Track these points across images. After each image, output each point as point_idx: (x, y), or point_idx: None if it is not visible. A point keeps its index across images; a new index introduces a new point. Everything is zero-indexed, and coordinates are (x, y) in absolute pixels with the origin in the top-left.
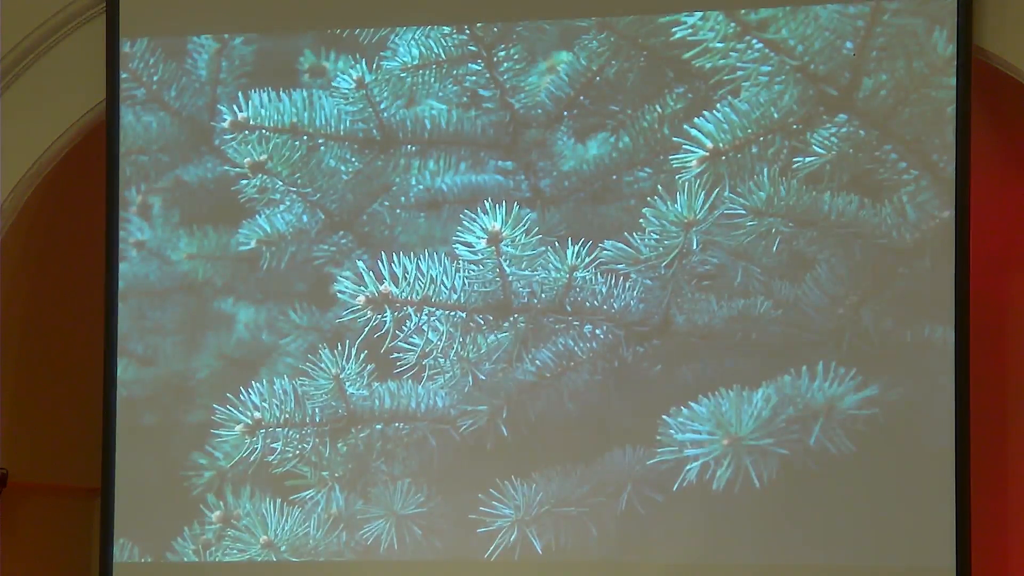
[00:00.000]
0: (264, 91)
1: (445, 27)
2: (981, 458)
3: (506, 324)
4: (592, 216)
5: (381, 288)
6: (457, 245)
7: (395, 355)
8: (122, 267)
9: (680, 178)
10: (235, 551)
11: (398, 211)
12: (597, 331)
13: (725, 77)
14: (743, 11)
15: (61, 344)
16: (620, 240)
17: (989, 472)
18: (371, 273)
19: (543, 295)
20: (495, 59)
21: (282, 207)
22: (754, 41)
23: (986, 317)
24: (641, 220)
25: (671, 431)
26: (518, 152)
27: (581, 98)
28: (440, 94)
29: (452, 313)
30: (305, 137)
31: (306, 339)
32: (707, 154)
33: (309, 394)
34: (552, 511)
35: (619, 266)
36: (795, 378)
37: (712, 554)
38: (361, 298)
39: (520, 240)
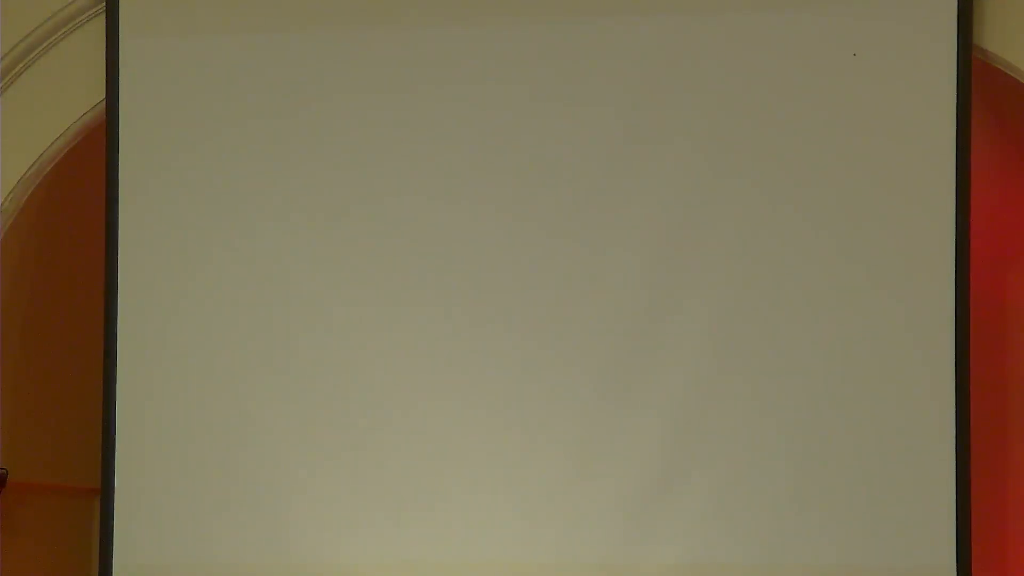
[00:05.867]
0: (265, 91)
1: (447, 27)
2: (981, 458)
3: (506, 324)
4: (592, 216)
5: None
6: (457, 241)
7: (395, 355)
8: (122, 267)
9: (680, 177)
10: (235, 551)
11: (399, 208)
12: (597, 331)
13: (725, 76)
14: (743, 11)
15: (61, 344)
16: (620, 240)
17: (989, 471)
18: (370, 272)
19: (543, 295)
20: (496, 59)
21: (282, 206)
22: (754, 41)
23: (986, 317)
24: (641, 220)
25: (671, 431)
26: (518, 151)
27: (583, 95)
28: (442, 95)
29: (452, 313)
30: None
31: (306, 337)
32: (707, 153)
33: (310, 393)
34: (552, 511)
35: (619, 266)
36: (795, 378)
37: (712, 554)
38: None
39: (520, 239)
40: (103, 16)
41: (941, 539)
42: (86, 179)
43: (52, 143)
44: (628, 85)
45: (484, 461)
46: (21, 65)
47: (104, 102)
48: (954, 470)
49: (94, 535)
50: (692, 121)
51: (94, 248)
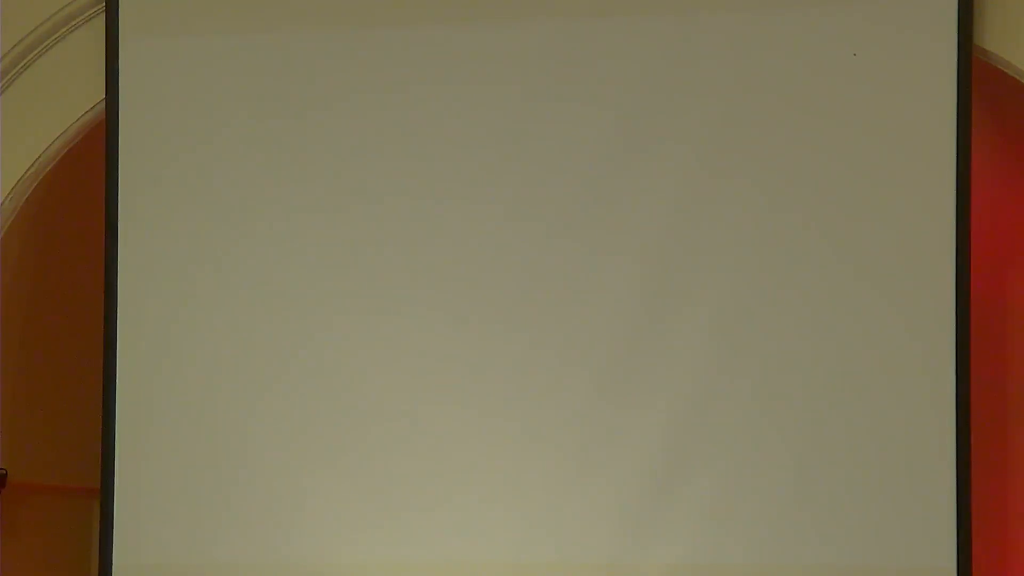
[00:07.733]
0: (265, 91)
1: (446, 28)
2: (981, 458)
3: (506, 324)
4: (591, 216)
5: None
6: (456, 242)
7: (395, 355)
8: (122, 267)
9: (679, 177)
10: (235, 551)
11: (399, 209)
12: (597, 331)
13: (725, 77)
14: (743, 11)
15: (61, 344)
16: (619, 240)
17: (989, 472)
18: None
19: (543, 295)
20: (495, 59)
21: (282, 206)
22: (754, 41)
23: (986, 317)
24: (640, 220)
25: (671, 431)
26: (517, 151)
27: (582, 96)
28: (442, 95)
29: (452, 314)
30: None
31: (306, 337)
32: (707, 153)
33: (311, 393)
34: (552, 511)
35: (619, 266)
36: (795, 378)
37: (712, 554)
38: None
39: (520, 239)
40: (103, 16)
41: (941, 539)
42: (86, 179)
43: (52, 143)
44: (627, 86)
45: (484, 461)
46: (21, 65)
47: (104, 102)
48: (954, 470)
49: (94, 535)
50: (692, 121)
51: (94, 247)
